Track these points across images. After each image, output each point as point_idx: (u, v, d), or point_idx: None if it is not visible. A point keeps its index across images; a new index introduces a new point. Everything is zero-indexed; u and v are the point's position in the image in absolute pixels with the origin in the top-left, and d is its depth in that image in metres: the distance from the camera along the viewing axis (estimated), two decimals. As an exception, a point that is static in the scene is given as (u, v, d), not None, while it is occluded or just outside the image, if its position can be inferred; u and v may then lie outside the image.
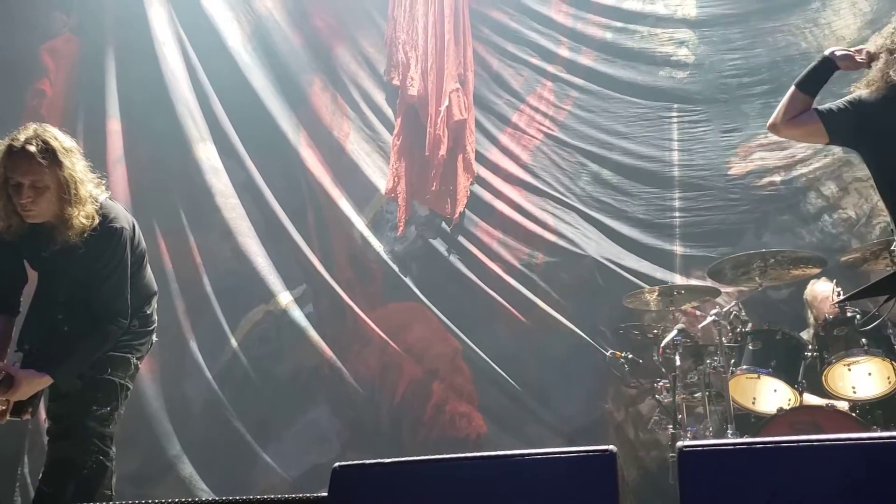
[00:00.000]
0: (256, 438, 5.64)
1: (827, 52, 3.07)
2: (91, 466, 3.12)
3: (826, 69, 3.04)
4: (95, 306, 3.19)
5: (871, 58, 2.98)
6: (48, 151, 3.09)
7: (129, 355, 3.30)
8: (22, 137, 3.09)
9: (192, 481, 5.59)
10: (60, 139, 3.17)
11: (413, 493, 1.86)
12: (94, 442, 3.15)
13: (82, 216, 3.11)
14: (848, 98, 3.02)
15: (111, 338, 3.19)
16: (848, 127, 2.96)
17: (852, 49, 3.08)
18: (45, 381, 3.11)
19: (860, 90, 3.01)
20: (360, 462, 1.93)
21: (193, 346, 5.91)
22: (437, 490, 1.84)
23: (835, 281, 4.45)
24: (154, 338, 3.48)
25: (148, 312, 3.42)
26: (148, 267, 3.49)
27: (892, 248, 2.95)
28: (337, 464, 1.91)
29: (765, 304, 4.91)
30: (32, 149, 3.06)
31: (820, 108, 3.02)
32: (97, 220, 3.17)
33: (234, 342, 5.89)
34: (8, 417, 3.17)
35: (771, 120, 3.13)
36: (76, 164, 3.17)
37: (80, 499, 3.03)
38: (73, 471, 3.11)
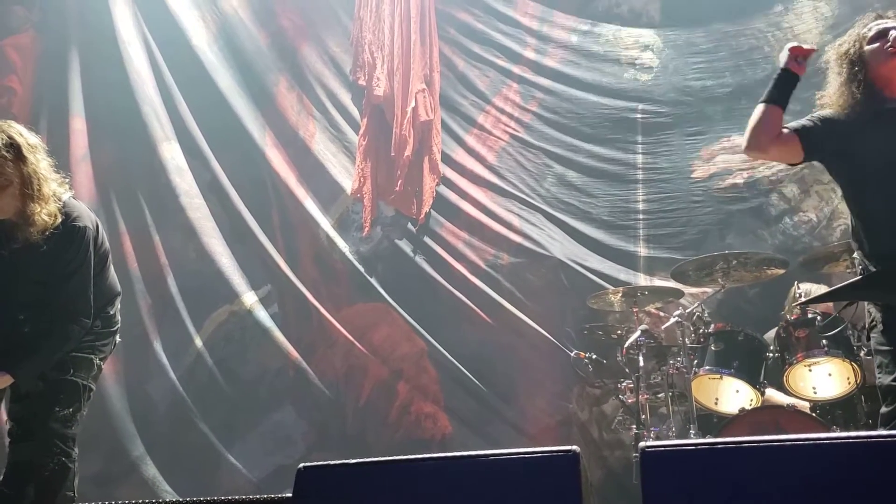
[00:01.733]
0: (221, 439, 5.59)
1: (781, 65, 2.97)
2: (53, 468, 3.08)
3: (788, 78, 2.94)
4: (57, 306, 3.14)
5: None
6: (12, 147, 3.06)
7: (92, 356, 3.26)
8: None
9: (155, 482, 5.52)
10: (25, 136, 3.13)
11: (378, 493, 1.85)
12: (56, 443, 3.10)
13: (45, 213, 3.07)
14: (816, 115, 2.94)
15: (74, 337, 3.14)
16: (821, 147, 2.90)
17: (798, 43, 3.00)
18: (6, 381, 3.06)
19: (825, 105, 2.98)
20: (325, 463, 1.91)
21: (157, 346, 5.84)
22: (402, 490, 1.82)
23: (796, 282, 4.49)
24: (117, 338, 3.44)
25: (111, 313, 3.38)
26: (111, 267, 3.44)
27: (854, 255, 2.95)
28: (301, 465, 1.90)
29: (728, 305, 4.96)
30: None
31: (796, 127, 2.91)
32: (60, 219, 3.12)
33: (198, 342, 5.83)
34: None
35: (749, 142, 2.92)
36: (40, 162, 3.13)
37: (42, 500, 2.99)
38: (33, 472, 3.07)
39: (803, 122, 2.93)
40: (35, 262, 3.14)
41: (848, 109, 2.85)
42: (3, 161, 3.02)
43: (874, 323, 2.76)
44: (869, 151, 2.77)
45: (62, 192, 3.21)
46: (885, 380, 2.66)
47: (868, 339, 2.86)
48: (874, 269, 2.74)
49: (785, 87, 2.91)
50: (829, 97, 2.93)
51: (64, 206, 3.17)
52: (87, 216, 3.27)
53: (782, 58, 2.96)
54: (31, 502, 2.99)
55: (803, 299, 4.26)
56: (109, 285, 3.40)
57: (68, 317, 3.14)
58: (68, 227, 3.14)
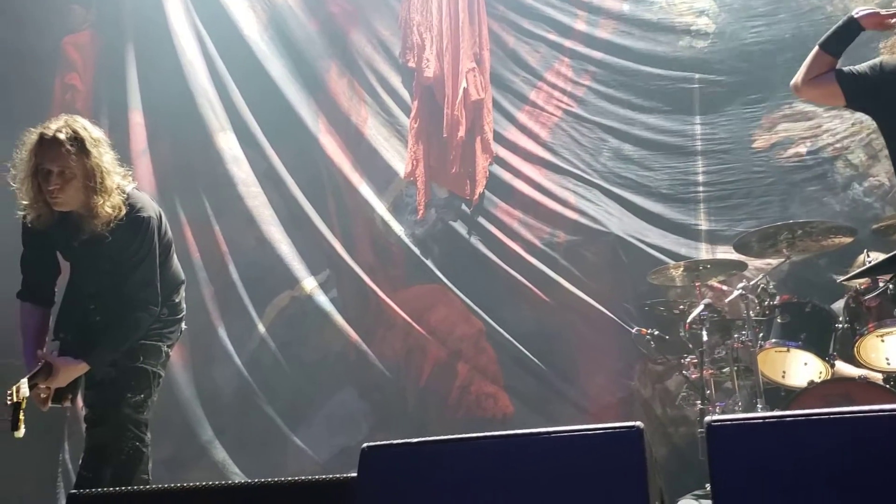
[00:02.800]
0: (286, 422, 5.71)
1: (853, 13, 3.01)
2: (128, 452, 3.21)
3: (851, 29, 2.98)
4: (126, 295, 3.25)
5: None
6: (77, 141, 3.17)
7: (160, 343, 3.37)
8: (53, 127, 3.18)
9: (224, 465, 5.67)
10: (89, 129, 3.25)
11: (440, 471, 1.86)
12: (129, 428, 3.23)
13: (108, 206, 3.17)
14: (870, 62, 2.98)
15: (143, 325, 3.25)
16: (866, 92, 2.93)
17: (882, 11, 3.01)
18: (82, 368, 3.19)
19: (884, 54, 2.97)
20: (388, 442, 1.93)
21: (222, 333, 5.98)
22: (464, 469, 1.83)
23: (865, 251, 4.37)
24: (183, 325, 3.54)
25: (176, 301, 3.47)
26: (175, 256, 3.54)
27: None
28: (365, 444, 1.92)
29: (794, 276, 4.84)
30: (62, 137, 3.14)
31: (840, 70, 2.99)
32: (124, 211, 3.23)
33: (261, 328, 5.95)
34: (50, 405, 3.25)
35: (793, 80, 3.13)
36: (103, 155, 3.24)
37: (119, 483, 3.09)
38: (110, 456, 3.20)
39: (851, 67, 3.00)
40: (102, 252, 3.26)
41: None
42: (68, 154, 3.13)
43: None
44: None
45: (126, 184, 3.31)
46: None
47: None
48: None
49: (844, 36, 2.98)
50: (891, 43, 2.92)
51: (128, 197, 3.27)
52: (151, 207, 3.37)
53: (860, 10, 2.99)
54: (110, 485, 3.10)
55: (853, 272, 4.19)
56: (174, 274, 3.49)
57: (137, 305, 3.24)
58: (133, 218, 3.25)
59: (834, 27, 3.05)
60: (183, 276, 3.58)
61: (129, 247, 3.25)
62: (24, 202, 3.26)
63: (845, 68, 3.00)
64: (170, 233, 3.51)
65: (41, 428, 5.40)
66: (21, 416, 3.10)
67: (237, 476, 5.57)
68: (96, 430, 3.25)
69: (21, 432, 3.13)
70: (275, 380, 5.83)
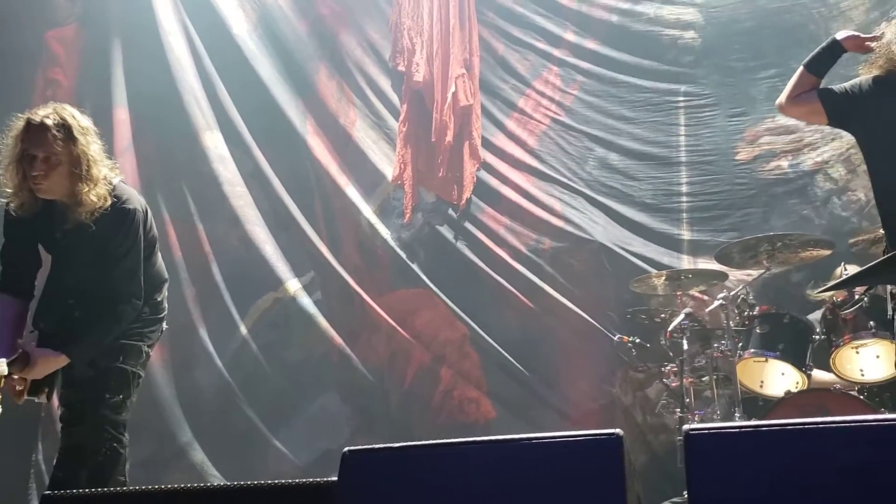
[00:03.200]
0: (267, 425, 5.67)
1: (838, 37, 3.09)
2: (105, 453, 3.17)
3: (833, 51, 3.06)
4: (109, 288, 3.20)
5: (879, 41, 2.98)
6: (64, 127, 3.15)
7: (141, 343, 3.33)
8: (41, 113, 3.17)
9: (203, 467, 5.63)
10: (77, 118, 3.23)
11: (422, 477, 1.88)
12: (107, 429, 3.19)
13: (93, 195, 3.14)
14: (851, 82, 3.05)
15: (125, 318, 3.21)
16: (847, 110, 2.99)
17: (862, 34, 3.10)
18: (61, 361, 3.15)
19: (864, 74, 3.03)
20: (370, 447, 1.94)
21: (203, 333, 5.94)
22: (446, 474, 1.85)
23: (843, 264, 4.44)
24: (164, 325, 3.50)
25: (158, 300, 3.45)
26: (159, 254, 3.51)
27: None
28: (346, 448, 1.93)
29: (773, 287, 4.89)
30: (49, 123, 3.12)
31: (823, 89, 3.06)
32: (109, 202, 3.19)
33: (243, 329, 5.92)
34: (25, 397, 3.20)
35: (778, 99, 3.21)
36: (91, 144, 3.21)
37: (95, 485, 3.05)
38: (86, 457, 3.16)
39: (833, 86, 3.07)
40: (85, 244, 3.21)
41: (886, 72, 2.90)
42: (54, 140, 3.11)
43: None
44: (890, 129, 2.78)
45: (113, 176, 3.28)
46: None
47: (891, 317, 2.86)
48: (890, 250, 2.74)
49: (827, 57, 3.07)
50: (879, 52, 2.96)
51: (114, 189, 3.24)
52: (137, 199, 3.34)
53: (842, 33, 3.09)
54: (86, 486, 3.07)
55: (827, 285, 4.25)
56: (157, 272, 3.46)
57: (119, 298, 3.20)
58: (118, 209, 3.21)
59: (817, 48, 3.14)
60: (166, 275, 3.55)
61: (114, 238, 3.20)
62: (8, 189, 3.23)
63: (828, 87, 3.07)
64: (155, 229, 3.47)
65: (13, 428, 5.37)
66: None
67: (216, 478, 5.53)
68: (73, 430, 3.20)
69: None
70: (256, 382, 5.80)
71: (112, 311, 3.19)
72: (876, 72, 2.96)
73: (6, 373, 3.05)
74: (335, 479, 1.91)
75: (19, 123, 3.18)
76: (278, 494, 2.06)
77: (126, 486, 3.24)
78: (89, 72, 6.47)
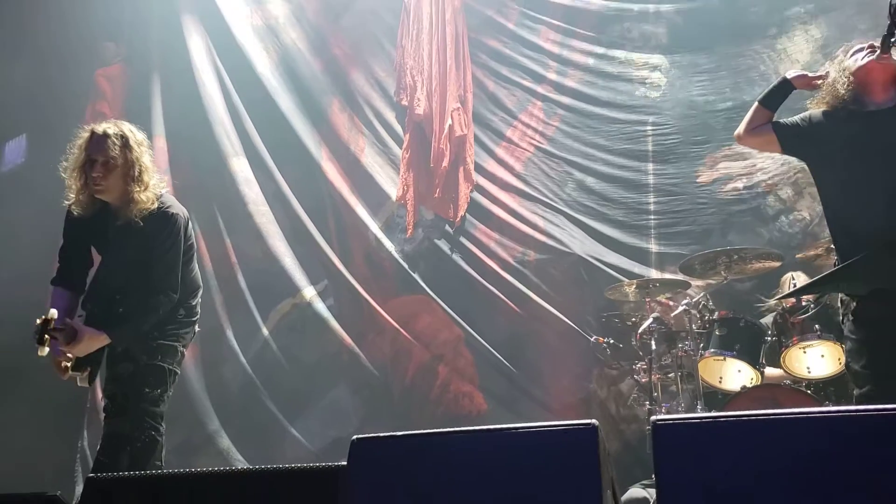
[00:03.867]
0: (285, 415, 5.65)
1: (786, 75, 3.08)
2: (144, 440, 3.15)
3: (784, 88, 3.04)
4: (150, 281, 3.19)
5: (824, 79, 2.97)
6: (121, 137, 3.22)
7: (177, 343, 3.31)
8: (103, 125, 3.25)
9: (229, 453, 5.60)
10: (134, 132, 3.30)
11: (421, 461, 1.87)
12: (146, 420, 3.17)
13: (144, 196, 3.18)
14: (801, 115, 3.02)
15: (162, 308, 3.19)
16: (798, 140, 2.95)
17: (809, 73, 3.08)
18: (103, 339, 3.13)
19: (813, 107, 3.02)
20: (375, 435, 1.93)
21: (230, 334, 5.93)
22: (443, 459, 1.84)
23: (791, 273, 4.45)
24: (197, 328, 3.49)
25: (193, 304, 3.43)
26: (196, 262, 3.49)
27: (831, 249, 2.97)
28: (355, 437, 1.92)
29: (730, 295, 4.89)
30: (110, 132, 3.21)
31: (776, 121, 3.02)
32: (157, 205, 3.22)
33: (265, 331, 5.90)
34: (70, 373, 3.16)
35: (736, 130, 3.16)
36: (144, 154, 3.27)
37: (135, 468, 3.05)
38: (126, 444, 3.14)
39: (784, 119, 3.03)
40: (132, 242, 3.22)
41: (832, 107, 2.85)
42: (113, 146, 3.17)
43: (846, 312, 2.72)
44: (839, 151, 2.77)
45: (161, 186, 3.31)
46: (855, 365, 2.62)
47: (841, 321, 2.84)
48: (839, 264, 2.72)
49: (779, 93, 3.01)
50: (820, 92, 2.94)
51: (161, 196, 3.28)
52: (180, 208, 3.36)
53: (792, 72, 3.06)
54: (125, 470, 3.05)
55: (785, 292, 4.25)
56: (193, 279, 3.44)
57: (158, 289, 3.19)
58: (163, 212, 3.24)
59: (770, 86, 3.10)
60: (200, 282, 3.54)
61: (157, 237, 3.21)
62: (71, 194, 3.26)
63: (780, 120, 3.05)
64: (194, 239, 3.47)
65: (62, 416, 5.36)
66: (46, 336, 3.02)
67: (240, 462, 5.51)
68: (114, 420, 3.19)
69: (45, 351, 3.05)
70: (276, 377, 5.79)
71: (151, 301, 3.18)
72: (823, 107, 2.93)
73: (55, 317, 3.04)
74: (344, 463, 1.89)
75: (84, 134, 3.25)
76: (294, 477, 2.05)
77: (162, 469, 3.22)
78: (132, 105, 6.48)
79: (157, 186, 3.27)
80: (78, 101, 6.46)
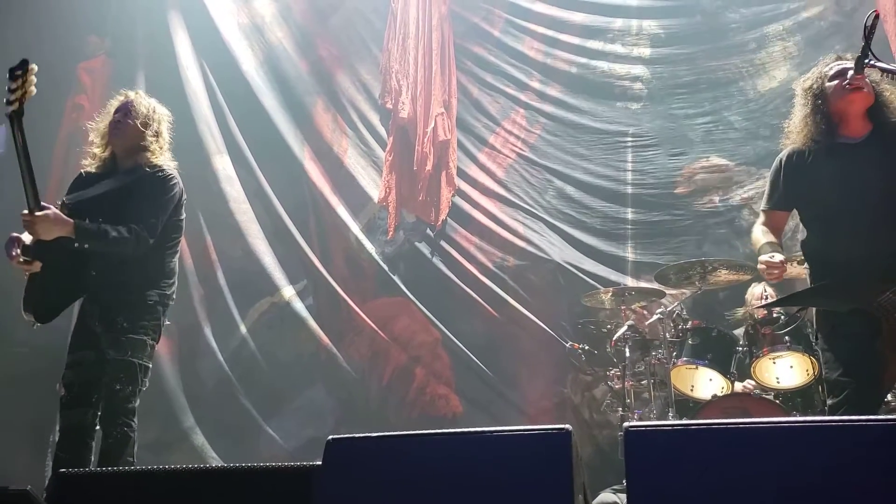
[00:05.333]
0: (260, 413, 5.61)
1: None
2: (116, 436, 3.09)
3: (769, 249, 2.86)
4: (135, 213, 3.18)
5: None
6: (145, 102, 3.44)
7: (146, 338, 3.23)
8: (134, 92, 3.52)
9: (203, 449, 5.54)
10: (161, 106, 3.50)
11: (396, 463, 1.86)
12: (119, 416, 3.11)
13: (156, 146, 3.32)
14: (773, 168, 2.92)
15: (135, 237, 3.14)
16: (788, 196, 2.88)
17: (765, 261, 2.83)
18: (68, 227, 3.07)
19: (785, 147, 2.92)
20: (350, 436, 1.93)
21: (207, 331, 5.86)
22: (417, 461, 1.84)
23: (763, 284, 4.50)
24: (166, 321, 3.38)
25: (168, 293, 3.34)
26: (178, 251, 3.45)
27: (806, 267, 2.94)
28: (330, 437, 1.91)
29: (703, 305, 4.94)
30: (133, 96, 3.45)
31: (767, 203, 2.92)
32: (165, 167, 3.32)
33: (243, 329, 5.85)
34: (20, 259, 3.07)
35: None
36: (163, 121, 3.44)
37: (107, 464, 3.00)
38: (86, 436, 3.08)
39: (769, 192, 2.92)
40: (131, 180, 3.27)
41: (808, 142, 2.81)
42: (139, 104, 3.38)
43: (823, 325, 2.76)
44: (820, 188, 2.76)
45: (174, 166, 3.41)
46: (831, 375, 2.66)
47: (817, 339, 2.87)
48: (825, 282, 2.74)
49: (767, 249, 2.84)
50: (793, 126, 2.90)
51: (167, 166, 3.36)
52: (180, 182, 3.39)
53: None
54: (88, 465, 3.01)
55: (762, 302, 4.30)
56: (173, 266, 3.39)
57: (137, 220, 3.17)
58: (167, 175, 3.32)
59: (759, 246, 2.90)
60: (177, 272, 3.48)
61: (155, 185, 3.26)
62: (94, 144, 3.39)
63: (767, 197, 2.92)
64: (183, 222, 3.44)
65: (33, 410, 5.26)
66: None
67: (214, 460, 5.45)
68: (71, 413, 3.10)
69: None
70: (252, 375, 5.74)
71: (129, 225, 3.15)
72: (797, 145, 2.84)
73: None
74: (319, 463, 1.89)
75: (118, 97, 3.46)
76: (268, 476, 2.03)
77: (134, 465, 3.16)
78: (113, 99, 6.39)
79: (169, 159, 3.40)
80: (58, 94, 6.36)
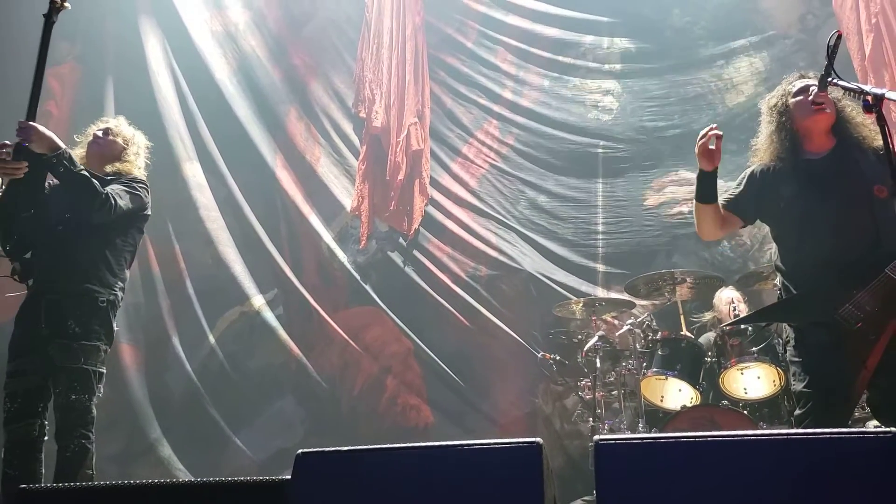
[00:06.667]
0: (229, 424, 5.52)
1: (699, 167, 2.84)
2: (73, 449, 3.00)
3: (706, 179, 2.82)
4: (110, 186, 3.25)
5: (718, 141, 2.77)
6: (130, 130, 3.62)
7: (99, 343, 3.16)
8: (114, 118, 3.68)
9: (170, 462, 5.45)
10: (138, 134, 3.64)
11: (367, 477, 1.85)
12: (77, 428, 3.02)
13: (135, 166, 3.48)
14: (743, 176, 2.93)
15: (104, 195, 3.16)
16: (755, 207, 2.88)
17: (699, 141, 2.81)
18: (56, 143, 3.11)
19: (753, 163, 2.94)
20: (321, 450, 1.90)
21: (175, 341, 5.78)
22: (387, 475, 1.83)
23: (731, 288, 4.55)
24: (115, 326, 3.30)
25: (119, 297, 3.30)
26: (133, 260, 3.45)
27: (776, 281, 2.97)
28: (300, 450, 1.88)
29: (672, 315, 4.99)
30: (121, 122, 3.64)
31: (727, 200, 2.89)
32: (132, 174, 3.44)
33: (212, 339, 5.78)
34: (10, 158, 3.03)
35: (700, 233, 2.99)
36: (143, 148, 3.60)
37: (65, 478, 2.90)
38: (34, 450, 2.98)
39: (733, 192, 2.90)
40: (111, 181, 3.33)
41: (774, 159, 2.85)
42: (117, 127, 3.56)
43: (788, 338, 2.81)
44: (786, 204, 2.80)
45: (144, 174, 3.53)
46: (798, 386, 2.70)
47: (785, 351, 2.91)
48: (786, 297, 2.78)
49: (707, 185, 2.83)
50: (760, 144, 2.95)
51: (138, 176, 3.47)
52: (147, 187, 3.46)
53: (699, 158, 2.82)
54: (39, 480, 2.91)
55: (721, 309, 4.35)
56: (126, 272, 3.36)
57: (112, 190, 3.21)
58: (142, 181, 3.44)
59: (697, 182, 2.87)
60: (127, 280, 3.43)
61: (129, 184, 3.35)
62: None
63: (730, 196, 2.90)
64: (141, 236, 3.47)
65: None
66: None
67: (181, 472, 5.36)
68: (18, 426, 2.98)
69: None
70: (221, 386, 5.66)
71: (105, 189, 3.19)
72: (765, 161, 2.86)
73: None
74: (289, 477, 1.86)
75: (96, 125, 3.61)
76: (237, 490, 2.00)
77: (94, 478, 3.06)
78: (83, 105, 6.29)
79: (141, 169, 3.54)
80: (25, 100, 6.22)
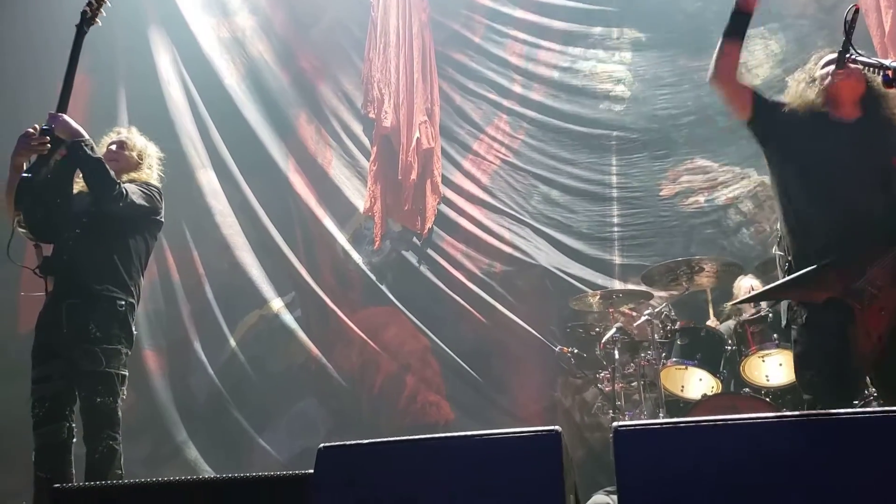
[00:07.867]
0: (253, 426, 5.59)
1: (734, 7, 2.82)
2: (102, 451, 3.06)
3: (741, 18, 2.78)
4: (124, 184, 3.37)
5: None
6: (143, 141, 3.66)
7: (120, 346, 3.22)
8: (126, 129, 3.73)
9: (196, 464, 5.52)
10: (153, 147, 3.71)
11: (387, 469, 1.88)
12: (104, 430, 3.08)
13: (145, 175, 3.54)
14: (780, 99, 2.88)
15: (120, 186, 3.28)
16: (771, 119, 2.82)
17: None
18: (79, 131, 3.26)
19: (789, 92, 2.89)
20: (342, 443, 1.94)
21: (197, 346, 5.85)
22: (408, 467, 1.85)
23: (750, 276, 4.53)
24: (134, 330, 3.37)
25: (135, 303, 3.36)
26: (146, 267, 3.52)
27: (777, 252, 2.90)
28: (322, 444, 1.92)
29: (691, 305, 4.98)
30: (133, 133, 3.68)
31: (755, 87, 2.86)
32: (144, 181, 3.52)
33: (232, 342, 5.84)
34: (36, 136, 3.20)
35: (711, 72, 2.87)
36: (156, 160, 3.66)
37: (95, 478, 2.96)
38: (65, 452, 3.05)
39: (766, 93, 2.88)
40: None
41: (804, 108, 2.78)
42: (130, 140, 3.60)
43: (795, 317, 2.73)
44: (805, 153, 2.74)
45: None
46: (805, 373, 2.67)
47: (787, 328, 2.81)
48: (796, 269, 2.69)
49: (739, 22, 2.81)
50: (790, 94, 2.86)
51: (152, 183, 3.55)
52: (160, 193, 3.55)
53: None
54: (71, 481, 2.97)
55: (738, 299, 4.31)
56: (141, 278, 3.43)
57: (127, 187, 3.31)
58: (157, 186, 3.53)
59: (729, 19, 2.81)
60: (141, 286, 3.51)
61: (142, 187, 3.45)
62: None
63: (762, 92, 2.88)
64: (154, 241, 3.55)
65: (24, 426, 5.19)
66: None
67: (208, 473, 5.41)
68: (48, 429, 3.05)
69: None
70: (243, 388, 5.72)
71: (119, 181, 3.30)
72: (794, 107, 2.81)
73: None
74: (311, 471, 1.89)
75: (108, 136, 3.67)
76: (262, 485, 2.04)
77: (123, 478, 3.12)
78: (96, 115, 6.35)
79: (154, 179, 3.61)
80: (37, 112, 6.31)
